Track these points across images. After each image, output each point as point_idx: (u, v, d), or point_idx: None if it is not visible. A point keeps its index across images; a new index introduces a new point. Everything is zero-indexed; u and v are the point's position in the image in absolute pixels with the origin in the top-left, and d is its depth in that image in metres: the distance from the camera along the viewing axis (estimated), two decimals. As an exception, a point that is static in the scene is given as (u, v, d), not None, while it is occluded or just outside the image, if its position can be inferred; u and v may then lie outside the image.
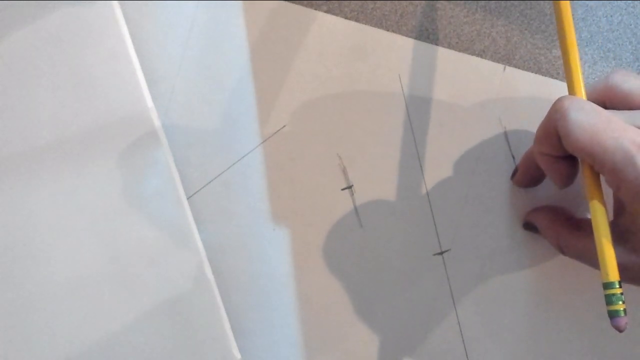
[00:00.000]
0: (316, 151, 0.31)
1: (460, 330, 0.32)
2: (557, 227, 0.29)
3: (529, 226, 0.31)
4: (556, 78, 0.32)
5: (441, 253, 0.32)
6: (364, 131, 0.32)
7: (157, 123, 0.31)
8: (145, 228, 0.31)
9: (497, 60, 0.32)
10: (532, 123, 0.32)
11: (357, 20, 0.31)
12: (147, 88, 0.31)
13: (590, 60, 0.33)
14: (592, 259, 0.26)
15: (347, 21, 0.31)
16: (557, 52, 0.32)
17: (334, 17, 0.31)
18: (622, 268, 0.24)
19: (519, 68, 0.32)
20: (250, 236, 0.31)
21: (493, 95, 0.32)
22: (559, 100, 0.25)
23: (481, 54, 0.32)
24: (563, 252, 0.29)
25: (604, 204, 0.25)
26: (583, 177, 0.25)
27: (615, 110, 0.25)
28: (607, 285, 0.24)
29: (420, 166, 0.32)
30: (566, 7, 0.26)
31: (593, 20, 0.33)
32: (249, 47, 0.31)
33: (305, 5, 0.31)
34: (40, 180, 0.30)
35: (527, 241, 0.32)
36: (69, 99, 0.30)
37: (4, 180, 0.30)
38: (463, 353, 0.32)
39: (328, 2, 0.31)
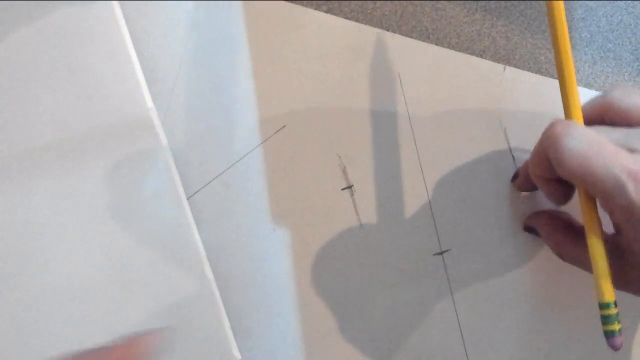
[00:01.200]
0: (316, 151, 0.31)
1: (460, 330, 0.32)
2: (557, 234, 0.29)
3: (529, 229, 0.31)
4: (556, 78, 0.32)
5: (441, 253, 0.32)
6: (364, 131, 0.32)
7: (157, 123, 0.31)
8: (145, 228, 0.31)
9: (497, 60, 0.32)
10: (532, 123, 0.32)
11: (357, 20, 0.31)
12: (147, 88, 0.31)
13: (590, 60, 0.33)
14: (590, 267, 0.26)
15: (347, 21, 0.31)
16: (557, 52, 0.32)
17: (334, 17, 0.31)
18: (623, 281, 0.25)
19: (519, 68, 0.32)
20: (250, 236, 0.31)
21: (493, 95, 0.32)
22: (551, 125, 0.25)
23: (481, 54, 0.32)
24: (562, 258, 0.29)
25: (601, 236, 0.25)
26: (579, 199, 0.25)
27: (611, 128, 0.25)
28: (603, 306, 0.24)
29: (420, 166, 0.32)
30: (562, 24, 0.25)
31: (593, 20, 0.33)
32: (249, 47, 0.31)
33: (306, 6, 0.31)
34: (40, 181, 0.30)
35: (528, 241, 0.32)
36: (69, 99, 0.30)
37: (3, 180, 0.30)
38: (463, 353, 0.32)
39: (328, 2, 0.31)
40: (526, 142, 0.32)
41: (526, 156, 0.32)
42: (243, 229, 0.31)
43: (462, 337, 0.32)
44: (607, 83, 0.33)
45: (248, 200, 0.31)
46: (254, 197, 0.31)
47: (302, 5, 0.31)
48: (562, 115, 0.32)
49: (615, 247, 0.25)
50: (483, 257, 0.32)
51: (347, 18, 0.31)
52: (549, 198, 0.28)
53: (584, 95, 0.32)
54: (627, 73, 0.33)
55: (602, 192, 0.23)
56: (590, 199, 0.25)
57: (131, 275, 0.31)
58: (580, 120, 0.25)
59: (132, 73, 0.30)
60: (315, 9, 0.31)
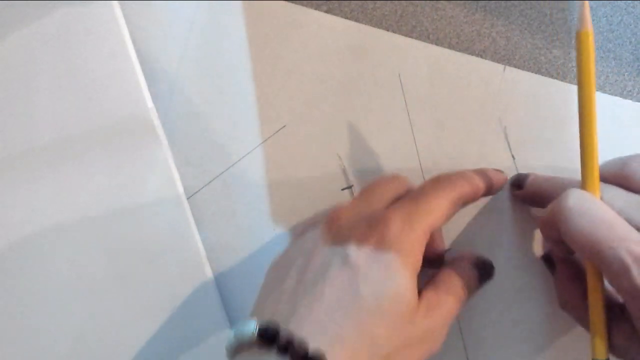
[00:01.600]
0: (316, 151, 0.31)
1: (461, 331, 0.32)
2: (569, 284, 0.28)
3: (547, 260, 0.31)
4: (556, 78, 0.32)
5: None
6: (364, 131, 0.32)
7: (157, 123, 0.31)
8: (145, 228, 0.31)
9: (497, 60, 0.32)
10: (532, 123, 0.32)
11: (357, 20, 0.31)
12: (147, 88, 0.31)
13: (590, 60, 0.33)
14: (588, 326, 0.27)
15: (347, 21, 0.31)
16: (557, 52, 0.32)
17: (334, 17, 0.31)
18: (624, 350, 0.25)
19: (519, 68, 0.32)
20: (250, 236, 0.31)
21: (493, 95, 0.32)
22: (564, 198, 0.25)
23: (481, 54, 0.32)
24: (564, 307, 0.29)
25: (602, 299, 0.25)
26: (585, 267, 0.26)
27: (625, 193, 0.25)
28: None
29: (420, 166, 0.32)
30: (590, 116, 0.25)
31: (593, 20, 0.33)
32: (249, 47, 0.31)
33: (306, 5, 0.31)
34: (40, 180, 0.30)
35: (528, 240, 0.32)
36: (69, 99, 0.30)
37: (4, 180, 0.30)
38: (463, 353, 0.32)
39: (328, 2, 0.31)
40: (526, 142, 0.32)
41: (526, 157, 0.32)
42: (243, 229, 0.31)
43: (462, 337, 0.32)
44: (607, 83, 0.33)
45: (248, 200, 0.31)
46: (254, 197, 0.31)
47: (302, 5, 0.31)
48: (561, 115, 0.32)
49: (620, 316, 0.26)
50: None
51: (347, 18, 0.31)
52: (554, 251, 0.28)
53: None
54: (627, 73, 0.33)
55: (607, 272, 0.23)
56: (596, 269, 0.25)
57: (131, 275, 0.31)
58: (596, 192, 0.25)
59: (132, 73, 0.30)
60: (315, 9, 0.31)
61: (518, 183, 0.30)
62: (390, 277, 0.24)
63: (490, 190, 0.29)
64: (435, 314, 0.25)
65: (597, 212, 0.24)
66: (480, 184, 0.28)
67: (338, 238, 0.26)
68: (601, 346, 0.25)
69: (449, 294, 0.26)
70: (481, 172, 0.29)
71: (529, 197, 0.30)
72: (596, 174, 0.25)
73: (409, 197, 0.27)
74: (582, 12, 0.25)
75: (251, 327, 0.23)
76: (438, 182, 0.27)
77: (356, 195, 0.29)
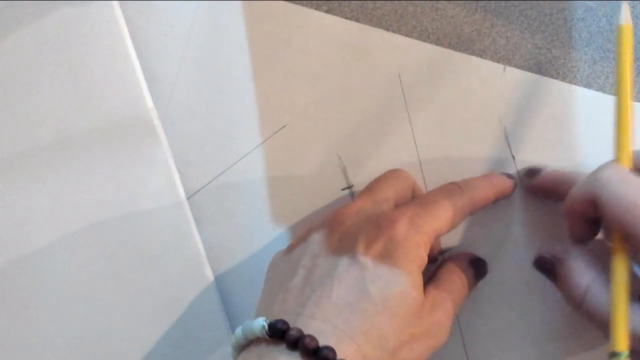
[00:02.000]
0: (316, 151, 0.31)
1: (460, 330, 0.32)
2: (585, 281, 0.27)
3: (541, 265, 0.30)
4: (556, 78, 0.32)
5: (442, 253, 0.32)
6: (364, 131, 0.32)
7: (157, 123, 0.31)
8: (145, 228, 0.31)
9: (497, 60, 0.32)
10: (532, 123, 0.32)
11: (357, 20, 0.31)
12: (147, 88, 0.31)
13: (590, 60, 0.33)
14: (603, 325, 0.26)
15: (347, 21, 0.31)
16: (557, 52, 0.32)
17: (334, 17, 0.31)
18: None
19: (519, 68, 0.32)
20: (250, 236, 0.31)
21: (493, 95, 0.32)
22: (602, 168, 0.25)
23: (481, 54, 0.32)
24: (577, 308, 0.27)
25: (627, 284, 0.25)
26: (613, 244, 0.25)
27: None
28: (614, 354, 0.24)
29: (420, 166, 0.32)
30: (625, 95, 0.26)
31: (593, 20, 0.33)
32: (249, 47, 0.31)
33: (306, 5, 0.31)
34: (40, 180, 0.30)
35: (527, 240, 0.32)
36: (69, 99, 0.30)
37: (3, 180, 0.30)
38: (463, 353, 0.32)
39: (328, 2, 0.31)
40: (526, 142, 0.32)
41: (526, 157, 0.32)
42: (243, 229, 0.31)
43: (462, 337, 0.32)
44: (607, 83, 0.33)
45: (248, 200, 0.31)
46: (254, 197, 0.31)
47: (302, 5, 0.31)
48: (561, 115, 0.32)
49: None
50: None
51: (347, 18, 0.31)
52: (570, 232, 0.28)
53: (584, 96, 0.32)
54: (627, 73, 0.33)
55: None
56: (623, 246, 0.25)
57: (131, 275, 0.31)
58: (631, 167, 0.25)
59: (132, 73, 0.30)
60: (315, 9, 0.31)
61: (531, 175, 0.31)
62: (397, 277, 0.24)
63: (499, 197, 0.29)
64: (440, 310, 0.26)
65: (634, 182, 0.24)
66: (489, 193, 0.29)
67: (345, 240, 0.26)
68: (622, 336, 0.24)
69: (451, 291, 0.27)
70: (490, 180, 0.29)
71: (545, 186, 0.30)
72: (630, 150, 0.25)
73: (417, 200, 0.28)
74: (624, 9, 0.26)
75: (260, 323, 0.23)
76: (447, 189, 0.28)
77: (360, 194, 0.29)
